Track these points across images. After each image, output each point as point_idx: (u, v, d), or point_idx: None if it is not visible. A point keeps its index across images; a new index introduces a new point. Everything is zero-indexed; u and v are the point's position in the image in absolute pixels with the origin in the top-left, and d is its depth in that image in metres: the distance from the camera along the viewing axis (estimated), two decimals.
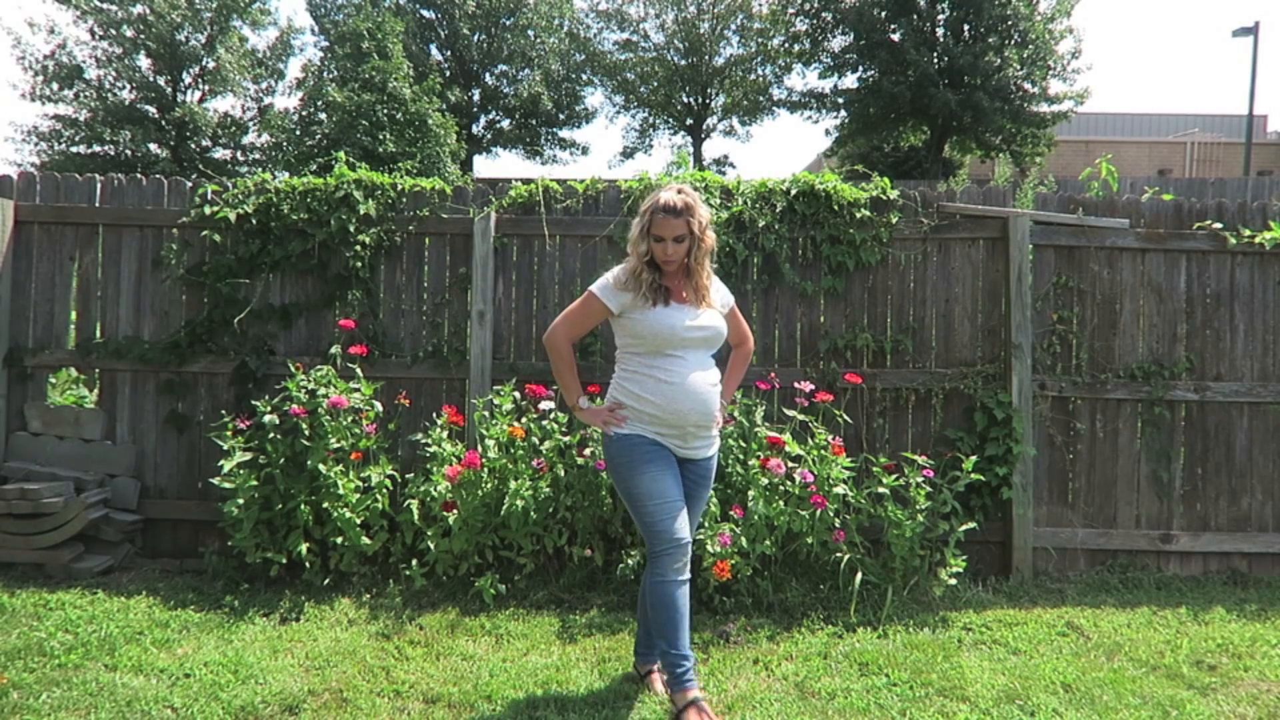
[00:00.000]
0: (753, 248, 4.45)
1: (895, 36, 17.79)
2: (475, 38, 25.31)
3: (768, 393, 4.33)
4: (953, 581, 3.96)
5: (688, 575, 2.77)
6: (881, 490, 3.92)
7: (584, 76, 27.84)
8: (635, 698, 2.98)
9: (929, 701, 3.02)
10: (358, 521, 3.89)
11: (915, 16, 17.49)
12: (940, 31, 17.85)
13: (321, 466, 3.87)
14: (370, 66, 16.50)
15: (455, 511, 3.89)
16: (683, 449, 2.84)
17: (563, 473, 3.94)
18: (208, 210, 4.41)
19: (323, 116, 17.07)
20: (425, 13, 24.99)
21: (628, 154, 29.41)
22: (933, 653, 3.41)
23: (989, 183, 5.13)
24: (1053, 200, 4.61)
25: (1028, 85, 17.55)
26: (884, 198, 4.49)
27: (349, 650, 3.35)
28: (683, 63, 27.08)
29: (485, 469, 3.91)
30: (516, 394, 4.12)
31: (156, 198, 4.53)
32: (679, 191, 2.78)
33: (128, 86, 20.56)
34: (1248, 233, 4.47)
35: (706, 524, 3.68)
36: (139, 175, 4.62)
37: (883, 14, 17.77)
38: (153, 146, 20.68)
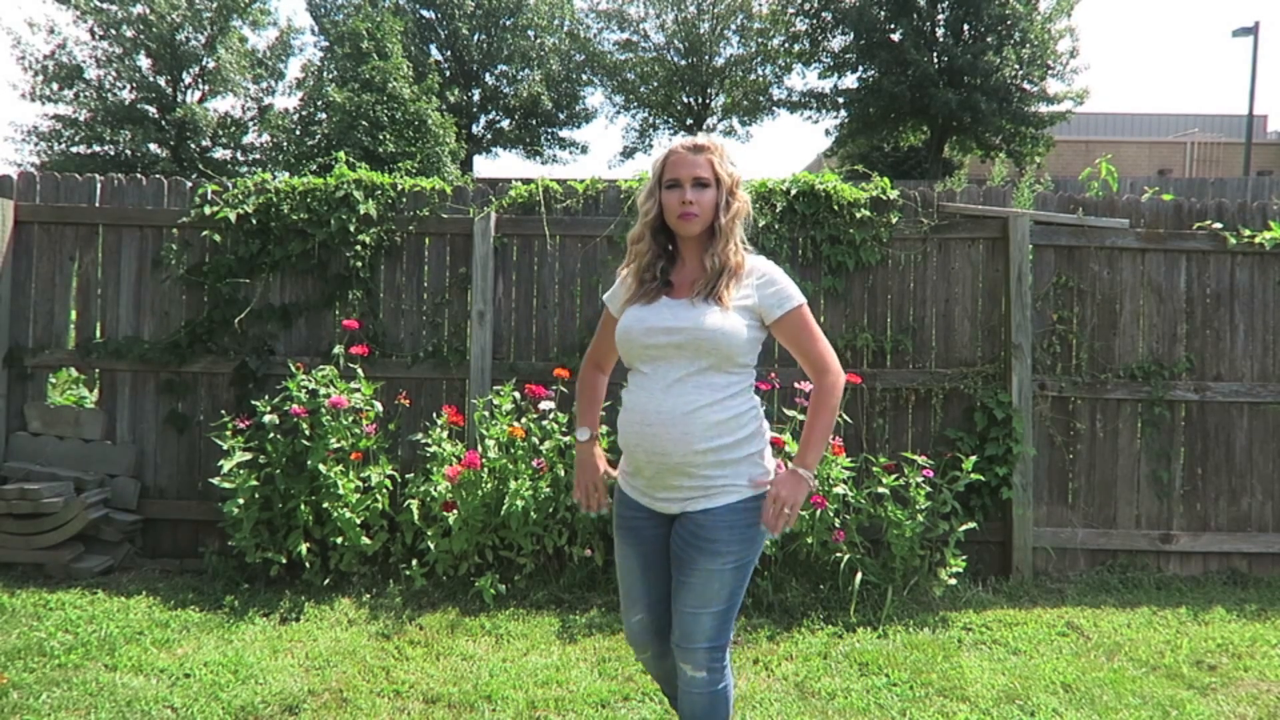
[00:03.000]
0: (753, 247, 4.45)
1: (895, 36, 17.78)
2: (475, 38, 25.29)
3: (768, 393, 4.32)
4: (953, 581, 3.96)
5: (662, 657, 2.21)
6: (881, 490, 3.92)
7: (584, 76, 27.83)
8: (635, 698, 2.98)
9: (929, 701, 3.02)
10: (358, 521, 3.89)
11: (915, 16, 17.48)
12: (940, 31, 17.85)
13: (321, 466, 3.87)
14: (370, 66, 16.49)
15: (455, 511, 3.89)
16: (655, 502, 2.08)
17: (563, 473, 3.94)
18: (208, 210, 4.41)
19: (322, 116, 17.07)
20: (425, 13, 24.97)
21: (628, 154, 29.38)
22: (933, 653, 3.41)
23: (987, 183, 5.13)
24: (1053, 200, 4.61)
25: (1026, 85, 17.55)
26: (884, 198, 4.49)
27: (349, 650, 3.35)
28: (683, 63, 27.05)
29: (485, 469, 3.91)
30: (516, 394, 4.12)
31: (156, 198, 4.53)
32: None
33: (128, 86, 20.55)
34: (1248, 233, 4.47)
35: None
36: (139, 175, 4.62)
37: (883, 14, 17.75)
38: (153, 146, 20.67)
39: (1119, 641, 3.60)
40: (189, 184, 4.54)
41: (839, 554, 3.92)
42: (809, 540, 3.86)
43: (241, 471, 3.87)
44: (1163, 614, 3.92)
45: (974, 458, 4.03)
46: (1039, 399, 4.43)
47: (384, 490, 4.02)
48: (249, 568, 4.01)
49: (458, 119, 21.33)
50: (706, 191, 2.04)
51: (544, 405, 4.06)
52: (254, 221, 4.42)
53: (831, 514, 3.85)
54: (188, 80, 21.18)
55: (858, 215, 4.44)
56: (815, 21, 19.31)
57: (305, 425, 3.96)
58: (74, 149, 20.36)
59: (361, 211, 4.42)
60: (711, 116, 28.35)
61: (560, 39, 26.75)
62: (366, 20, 17.46)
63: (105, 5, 19.72)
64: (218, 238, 4.42)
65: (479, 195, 4.57)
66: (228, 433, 3.93)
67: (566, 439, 4.00)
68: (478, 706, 2.92)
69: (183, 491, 4.49)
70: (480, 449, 3.99)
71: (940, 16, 17.80)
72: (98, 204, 4.53)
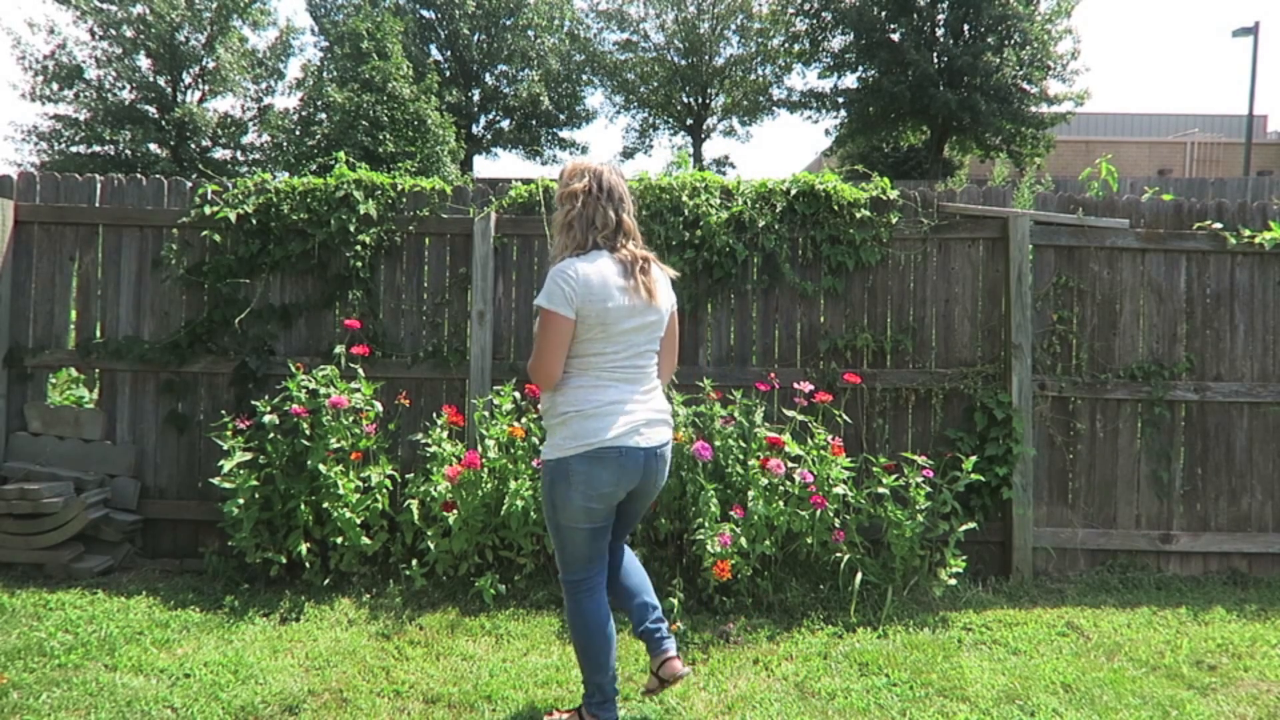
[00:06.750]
0: (753, 248, 4.45)
1: (895, 36, 17.79)
2: (475, 38, 25.32)
3: (767, 393, 4.33)
4: (953, 581, 3.95)
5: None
6: (881, 490, 3.92)
7: (584, 76, 27.85)
8: (635, 698, 2.98)
9: (929, 701, 3.02)
10: (358, 521, 3.88)
11: (915, 16, 17.49)
12: (940, 31, 17.86)
13: (322, 466, 3.87)
14: (370, 66, 16.50)
15: (455, 511, 3.89)
16: None
17: None
18: (208, 210, 4.41)
19: (322, 116, 17.07)
20: (425, 13, 24.99)
21: (628, 154, 29.42)
22: (933, 653, 3.41)
23: (988, 183, 5.13)
24: (1053, 200, 4.61)
25: (1026, 86, 17.55)
26: (884, 198, 4.49)
27: (349, 650, 3.35)
28: (683, 63, 27.08)
29: (485, 469, 3.91)
30: (516, 394, 4.12)
31: (156, 198, 4.53)
32: None
33: (128, 86, 20.55)
34: (1248, 233, 4.47)
35: (707, 524, 3.67)
36: (139, 175, 4.62)
37: (883, 14, 17.76)
38: (153, 146, 20.67)
39: (1119, 641, 3.60)
40: (189, 184, 4.53)
41: (839, 554, 3.92)
42: (809, 540, 3.86)
43: (241, 471, 3.87)
44: (1163, 614, 3.92)
45: (974, 458, 4.02)
46: (1039, 399, 4.43)
47: (384, 490, 4.02)
48: (249, 568, 4.01)
49: (458, 119, 21.35)
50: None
51: None
52: (254, 221, 4.42)
53: (831, 514, 3.85)
54: (188, 80, 21.18)
55: (858, 215, 4.44)
56: (815, 21, 19.32)
57: (305, 425, 3.96)
58: (74, 149, 20.36)
59: (361, 211, 4.42)
60: (711, 116, 28.38)
61: (560, 39, 26.77)
62: (366, 20, 17.46)
63: (105, 5, 19.72)
64: (218, 238, 4.42)
65: (479, 195, 4.57)
66: (228, 433, 3.93)
67: None
68: (478, 706, 2.92)
69: (183, 491, 4.49)
70: (480, 449, 3.99)
71: (940, 16, 17.81)
72: (98, 204, 4.53)
